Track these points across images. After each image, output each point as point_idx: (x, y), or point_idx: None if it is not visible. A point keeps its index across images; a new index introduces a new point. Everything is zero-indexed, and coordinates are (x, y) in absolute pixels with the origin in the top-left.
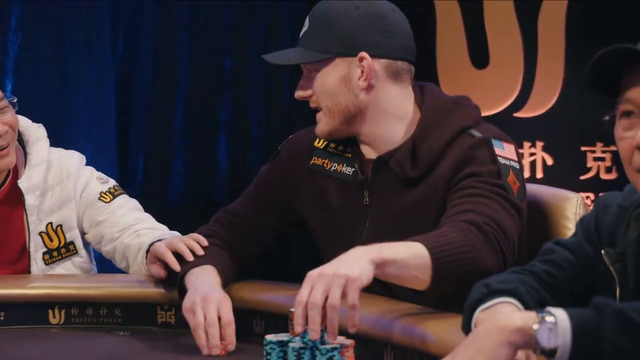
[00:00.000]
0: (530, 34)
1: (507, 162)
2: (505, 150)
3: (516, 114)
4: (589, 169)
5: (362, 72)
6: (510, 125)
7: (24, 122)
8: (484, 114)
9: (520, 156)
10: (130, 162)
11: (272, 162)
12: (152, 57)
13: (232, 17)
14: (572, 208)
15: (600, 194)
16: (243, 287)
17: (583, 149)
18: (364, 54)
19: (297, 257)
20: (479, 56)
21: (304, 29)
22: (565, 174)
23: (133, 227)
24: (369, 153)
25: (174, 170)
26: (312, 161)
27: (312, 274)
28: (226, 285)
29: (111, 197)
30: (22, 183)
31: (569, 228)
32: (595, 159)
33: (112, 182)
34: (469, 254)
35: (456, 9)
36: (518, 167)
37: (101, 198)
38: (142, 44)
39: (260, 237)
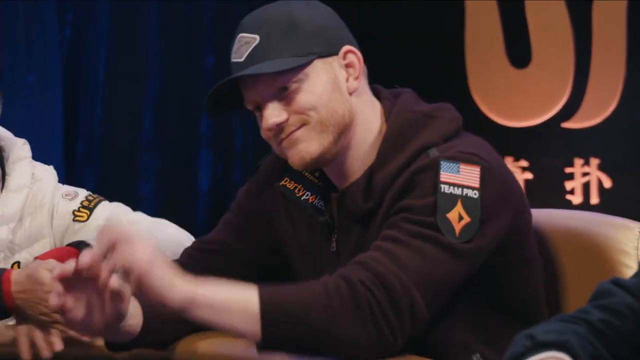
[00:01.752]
0: (582, 26)
1: (456, 191)
2: (459, 175)
3: (565, 124)
4: None
5: (347, 70)
6: (557, 138)
7: (5, 135)
8: (524, 124)
9: (491, 181)
10: (75, 184)
11: (250, 180)
12: (108, 51)
13: (216, 6)
14: (632, 241)
15: None
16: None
17: None
18: (348, 47)
19: None
20: (519, 53)
21: (252, 45)
22: (627, 198)
23: None
24: (340, 185)
25: (141, 196)
26: (282, 182)
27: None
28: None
29: (88, 213)
30: None
31: (630, 266)
32: None
33: (82, 194)
34: (312, 316)
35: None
36: (476, 195)
37: (76, 218)
38: (95, 35)
39: (237, 268)
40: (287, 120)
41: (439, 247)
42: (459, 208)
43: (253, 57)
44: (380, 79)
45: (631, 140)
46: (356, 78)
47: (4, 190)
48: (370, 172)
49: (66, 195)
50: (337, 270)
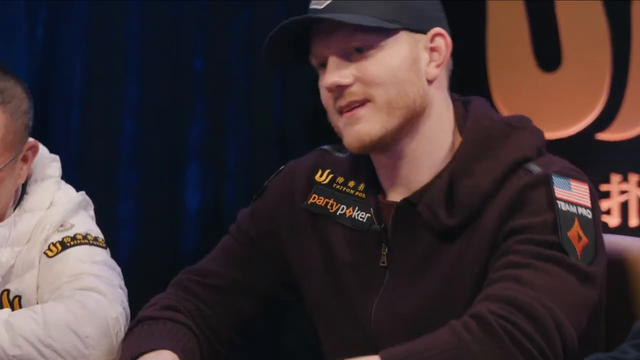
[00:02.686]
0: (620, 25)
1: (572, 209)
2: (572, 192)
3: (600, 136)
4: None
5: (431, 55)
6: (591, 152)
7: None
8: (553, 135)
9: (596, 200)
10: None
11: (256, 202)
12: (85, 53)
13: (207, 1)
14: None
15: None
16: None
17: None
18: (439, 29)
19: (290, 334)
20: (548, 55)
21: None
22: None
23: (65, 286)
24: (391, 194)
25: (121, 215)
26: (310, 200)
27: None
28: None
29: (59, 249)
30: (2, 228)
31: None
32: None
33: (77, 229)
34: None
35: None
36: (590, 215)
37: (46, 250)
38: (71, 34)
39: (241, 304)
40: (350, 85)
41: (566, 268)
42: (577, 227)
43: (334, 7)
44: None
45: None
46: (438, 65)
47: (17, 209)
48: (450, 182)
49: (61, 226)
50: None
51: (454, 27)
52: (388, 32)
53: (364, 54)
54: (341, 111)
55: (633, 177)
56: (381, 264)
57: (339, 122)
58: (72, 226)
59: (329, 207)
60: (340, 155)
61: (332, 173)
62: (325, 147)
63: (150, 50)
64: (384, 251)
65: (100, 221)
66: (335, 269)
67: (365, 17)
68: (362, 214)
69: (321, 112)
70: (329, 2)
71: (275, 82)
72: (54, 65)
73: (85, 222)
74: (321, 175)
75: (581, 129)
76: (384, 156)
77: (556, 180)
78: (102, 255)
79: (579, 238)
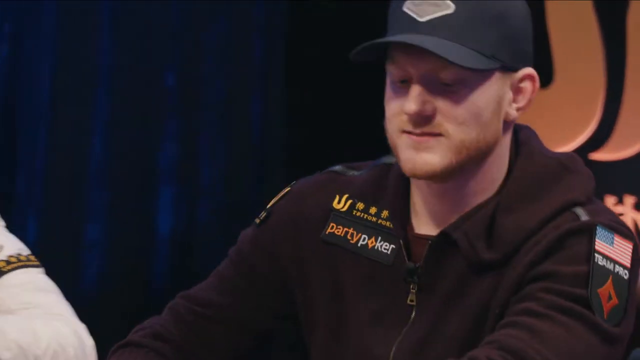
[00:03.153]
0: (614, 41)
1: (609, 265)
2: (613, 248)
3: (594, 156)
4: None
5: (516, 96)
6: None
7: None
8: None
9: (638, 262)
10: (14, 227)
11: (259, 228)
12: (53, 68)
13: (180, 14)
14: None
15: None
16: None
17: None
18: (531, 71)
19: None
20: (540, 72)
21: (442, 10)
22: None
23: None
24: (422, 226)
25: (88, 237)
26: (328, 229)
27: None
28: None
29: None
30: None
31: None
32: None
33: (10, 249)
34: None
35: None
36: (627, 276)
37: None
38: (38, 50)
39: (236, 337)
40: (432, 116)
41: (589, 327)
42: (609, 286)
43: (436, 26)
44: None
45: None
46: (520, 108)
47: None
48: (493, 215)
49: None
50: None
51: None
52: (484, 72)
53: (452, 88)
54: (408, 134)
55: (629, 199)
56: (409, 302)
57: (399, 140)
58: (1, 247)
59: (349, 237)
60: (356, 174)
61: (351, 198)
62: (337, 168)
63: (120, 65)
64: (413, 289)
65: (67, 243)
66: (348, 303)
67: (464, 50)
68: (387, 245)
69: (299, 127)
70: (431, 16)
71: (252, 97)
72: (20, 82)
73: (10, 239)
74: (339, 202)
75: (574, 149)
76: (434, 187)
77: (600, 231)
78: (44, 278)
79: (609, 297)
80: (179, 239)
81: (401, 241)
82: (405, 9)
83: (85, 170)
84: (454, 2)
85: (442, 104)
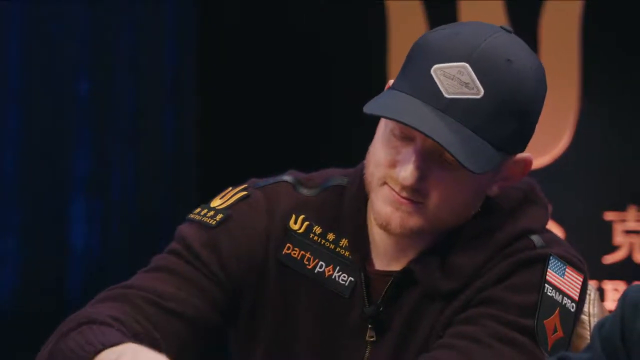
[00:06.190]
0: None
1: (558, 297)
2: (563, 279)
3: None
4: (617, 247)
5: (505, 174)
6: None
7: None
8: None
9: (585, 295)
10: None
11: (216, 230)
12: None
13: (90, 21)
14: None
15: (632, 285)
16: None
17: (609, 217)
18: (529, 158)
19: None
20: None
21: (468, 93)
22: (581, 253)
23: None
24: (381, 260)
25: (0, 253)
26: (285, 250)
27: None
28: None
29: None
30: None
31: (582, 337)
32: (627, 232)
33: None
34: None
35: (417, 10)
36: (573, 309)
37: None
38: None
39: (197, 337)
40: (423, 190)
41: (529, 359)
42: (555, 317)
43: (457, 109)
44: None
45: (587, 183)
46: (502, 187)
47: None
48: (453, 247)
49: None
50: None
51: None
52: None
53: (452, 166)
54: (390, 192)
55: None
56: (368, 338)
57: (379, 189)
58: None
59: (305, 261)
60: (307, 193)
61: (308, 220)
62: (288, 179)
63: (30, 73)
64: (369, 325)
65: None
66: (299, 329)
67: (476, 141)
68: (344, 277)
69: (212, 137)
70: (456, 96)
71: (164, 107)
72: None
73: None
74: (295, 222)
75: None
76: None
77: (553, 262)
78: None
79: (555, 329)
80: (93, 257)
81: (362, 276)
82: (433, 73)
83: None
84: (484, 87)
85: (437, 178)
